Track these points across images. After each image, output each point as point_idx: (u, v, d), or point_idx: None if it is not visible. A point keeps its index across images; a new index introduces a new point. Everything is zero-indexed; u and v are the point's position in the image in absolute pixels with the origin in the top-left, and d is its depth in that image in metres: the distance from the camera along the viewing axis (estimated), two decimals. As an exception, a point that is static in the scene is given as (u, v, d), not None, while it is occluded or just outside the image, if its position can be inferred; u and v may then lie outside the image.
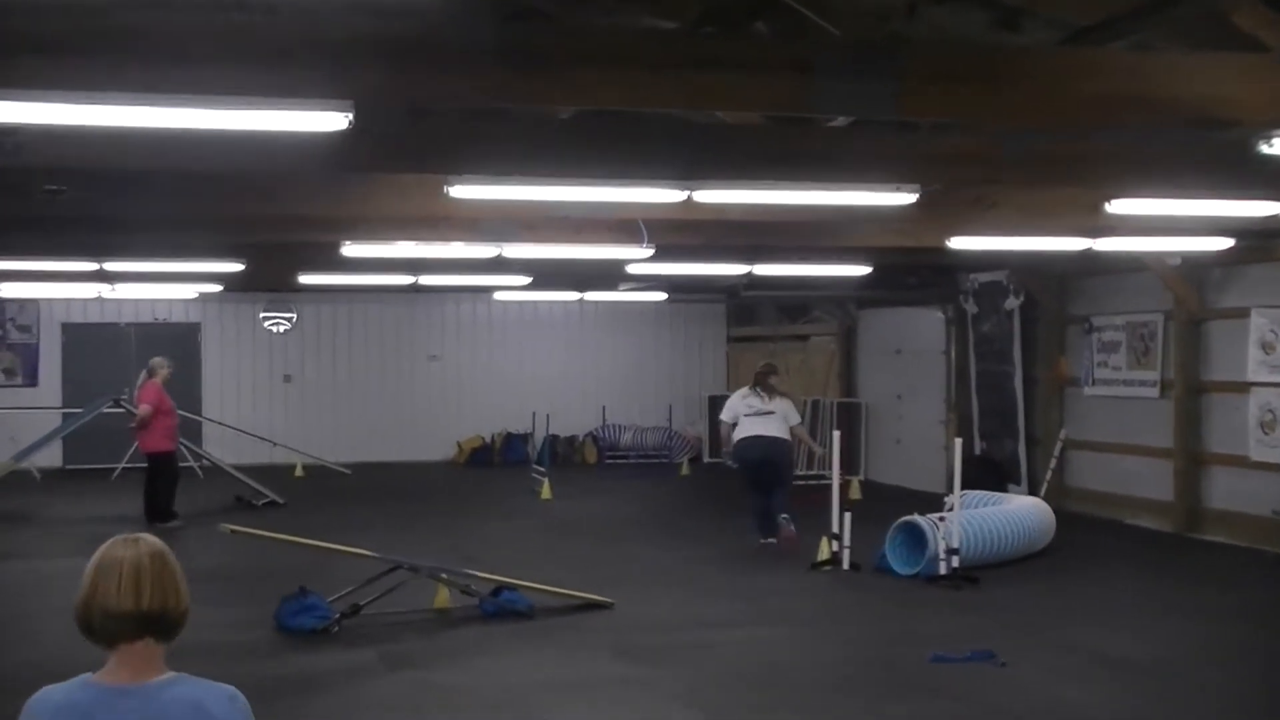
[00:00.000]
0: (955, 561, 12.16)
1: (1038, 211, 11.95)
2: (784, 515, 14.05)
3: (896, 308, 21.10)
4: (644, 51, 6.24)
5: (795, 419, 14.52)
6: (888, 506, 15.03)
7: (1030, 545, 13.53)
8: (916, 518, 12.64)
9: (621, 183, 9.00)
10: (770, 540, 14.15)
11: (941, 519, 12.46)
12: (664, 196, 9.41)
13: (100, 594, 3.08)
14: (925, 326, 20.39)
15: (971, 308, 19.14)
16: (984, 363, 18.97)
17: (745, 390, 14.48)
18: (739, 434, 14.21)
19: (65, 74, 5.70)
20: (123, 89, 5.88)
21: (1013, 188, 11.07)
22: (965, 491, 13.22)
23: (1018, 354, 18.22)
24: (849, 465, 18.43)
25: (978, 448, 18.62)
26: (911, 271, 18.77)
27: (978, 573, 12.25)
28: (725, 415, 14.53)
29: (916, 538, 12.60)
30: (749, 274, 17.09)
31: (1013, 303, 18.20)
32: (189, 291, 21.84)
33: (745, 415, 14.20)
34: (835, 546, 13.01)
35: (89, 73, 5.70)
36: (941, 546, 12.19)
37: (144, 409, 15.97)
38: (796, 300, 23.10)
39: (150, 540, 3.19)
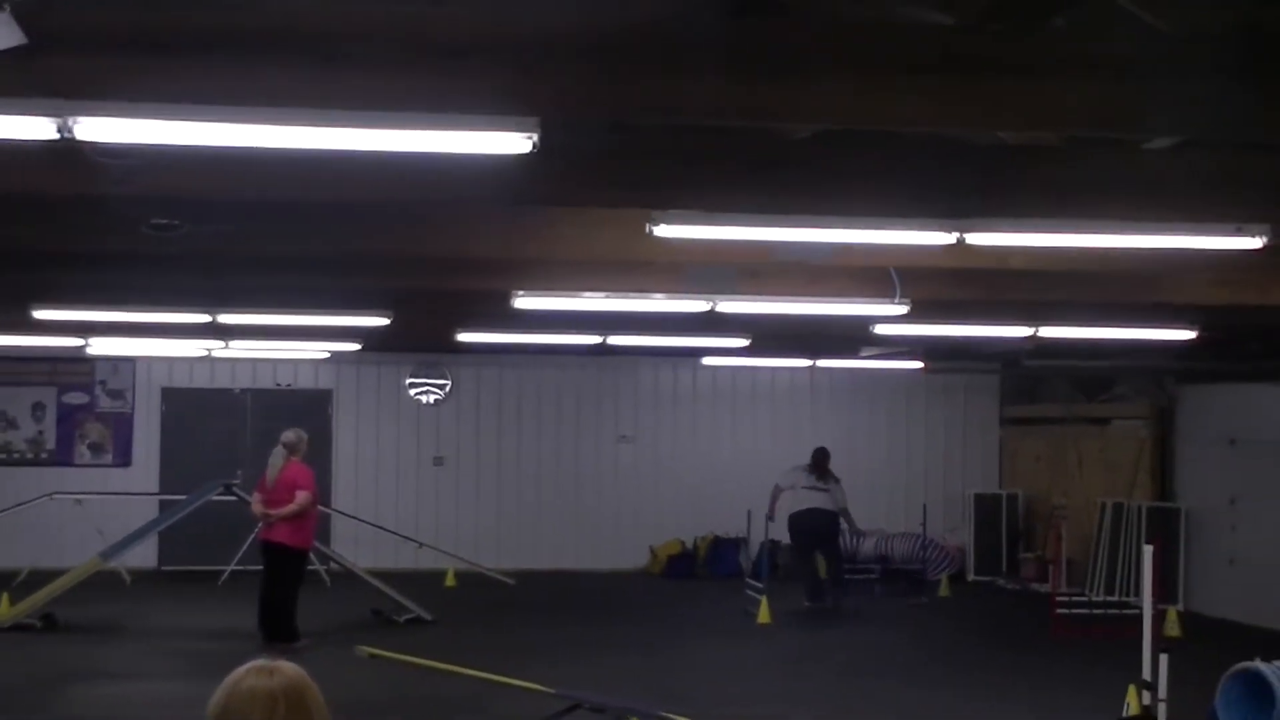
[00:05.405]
0: (1316, 725, 11.76)
1: None
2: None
3: (1231, 383, 20.58)
4: (910, 53, 6.23)
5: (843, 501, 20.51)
6: (1218, 647, 14.63)
7: None
8: (1259, 665, 12.27)
9: (872, 221, 8.97)
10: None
11: (1296, 667, 12.08)
12: (926, 238, 9.30)
13: None
14: (1271, 408, 19.84)
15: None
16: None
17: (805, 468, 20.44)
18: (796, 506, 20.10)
19: (190, 81, 5.89)
20: (257, 99, 6.04)
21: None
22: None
23: None
24: (1164, 592, 17.98)
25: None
26: (1253, 337, 18.29)
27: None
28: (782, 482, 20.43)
29: (1261, 691, 12.22)
30: (1034, 337, 16.83)
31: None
32: (319, 351, 22.34)
33: (803, 488, 20.18)
34: (1147, 699, 12.69)
35: (220, 79, 5.87)
36: (1295, 704, 11.80)
37: (303, 496, 15.92)
38: (1095, 373, 22.66)
39: (288, 671, 3.26)
